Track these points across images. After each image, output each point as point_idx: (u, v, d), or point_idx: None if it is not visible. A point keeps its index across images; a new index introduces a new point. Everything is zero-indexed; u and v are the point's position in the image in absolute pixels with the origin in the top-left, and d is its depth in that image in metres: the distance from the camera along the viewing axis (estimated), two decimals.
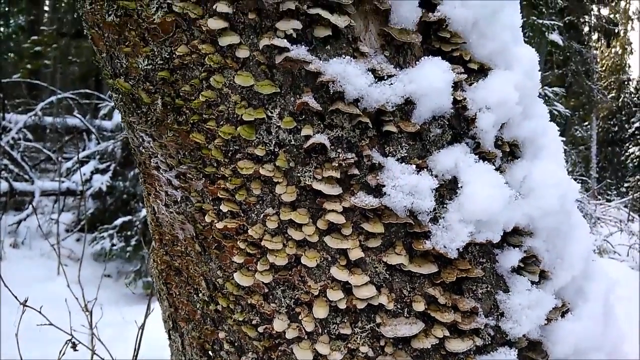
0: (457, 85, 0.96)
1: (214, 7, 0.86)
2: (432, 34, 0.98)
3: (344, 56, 0.89)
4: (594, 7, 20.38)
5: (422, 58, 0.94)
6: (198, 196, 0.97)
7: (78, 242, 8.25)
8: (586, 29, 20.96)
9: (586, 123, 21.74)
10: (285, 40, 0.86)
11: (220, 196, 0.93)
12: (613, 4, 21.93)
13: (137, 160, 1.12)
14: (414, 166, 0.90)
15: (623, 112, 22.73)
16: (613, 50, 24.15)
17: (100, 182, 8.04)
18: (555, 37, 8.92)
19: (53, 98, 10.79)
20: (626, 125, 22.80)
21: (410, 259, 0.90)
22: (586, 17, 20.53)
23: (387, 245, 0.91)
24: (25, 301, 1.94)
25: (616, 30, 20.45)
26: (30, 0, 16.78)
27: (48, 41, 14.49)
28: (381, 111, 0.90)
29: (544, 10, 9.32)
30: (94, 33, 1.02)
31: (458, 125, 0.98)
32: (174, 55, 0.91)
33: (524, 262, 0.99)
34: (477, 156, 0.96)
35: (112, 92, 1.07)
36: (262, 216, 0.91)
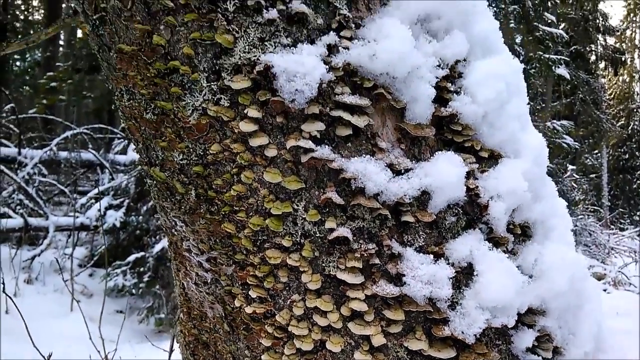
0: (469, 174, 1.03)
1: (245, 111, 0.94)
2: (445, 126, 1.05)
3: (364, 154, 0.96)
4: (600, 36, 20.57)
5: (437, 153, 1.01)
6: (227, 280, 1.04)
7: (91, 277, 8.30)
8: (593, 57, 21.11)
9: (596, 151, 21.66)
10: (310, 142, 0.93)
11: (249, 282, 0.99)
12: (619, 33, 22.11)
13: (168, 239, 1.19)
14: (431, 256, 0.96)
15: (633, 140, 22.63)
16: (620, 78, 24.22)
17: (114, 218, 8.13)
18: (562, 71, 9.02)
19: (68, 133, 10.99)
20: (637, 153, 22.66)
21: (429, 344, 0.95)
22: (592, 46, 20.70)
23: (408, 330, 0.96)
24: (49, 356, 1.99)
25: (623, 59, 20.56)
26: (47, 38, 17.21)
27: (63, 77, 14.84)
28: (399, 202, 0.96)
29: (550, 44, 9.44)
30: (131, 125, 1.11)
31: (471, 211, 1.04)
32: (207, 152, 0.99)
33: (538, 340, 1.03)
34: (490, 243, 1.01)
35: (147, 179, 1.15)
36: (288, 302, 0.97)
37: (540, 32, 9.11)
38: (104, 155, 10.83)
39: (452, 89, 1.05)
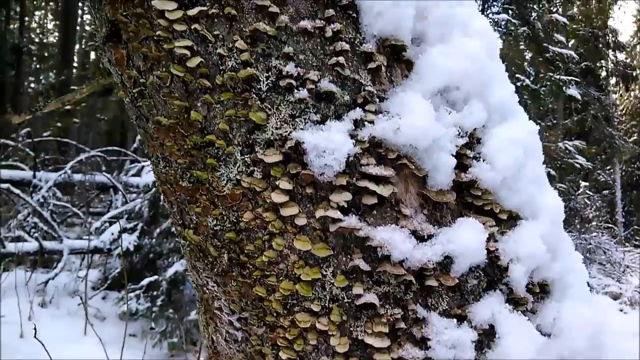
0: (489, 237, 1.08)
1: (277, 183, 1.00)
2: (465, 190, 1.10)
3: (389, 221, 1.02)
4: (611, 52, 20.57)
5: (458, 219, 1.06)
6: (258, 340, 1.08)
7: (104, 300, 8.35)
8: (604, 74, 21.10)
9: (609, 167, 21.49)
10: (338, 212, 0.99)
11: (280, 343, 1.04)
12: (629, 49, 22.10)
13: (199, 295, 1.25)
14: (455, 320, 1.01)
15: None
16: (632, 94, 24.13)
17: (128, 241, 8.20)
18: (573, 91, 9.06)
19: (82, 156, 11.15)
20: None
21: None
22: (603, 62, 20.69)
23: None
24: None
25: (634, 74, 20.52)
26: (62, 61, 17.64)
27: (78, 100, 15.08)
28: (423, 268, 1.01)
29: (560, 65, 9.49)
30: (165, 189, 1.17)
31: (492, 272, 1.09)
32: (240, 220, 1.04)
33: None
34: (511, 304, 1.06)
35: (180, 239, 1.21)
36: None
37: (551, 53, 9.16)
38: (117, 178, 10.97)
39: (471, 156, 1.10)
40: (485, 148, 1.11)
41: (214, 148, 1.04)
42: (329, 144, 0.96)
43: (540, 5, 11.00)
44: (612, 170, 20.88)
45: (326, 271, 1.01)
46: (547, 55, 9.28)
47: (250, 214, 1.03)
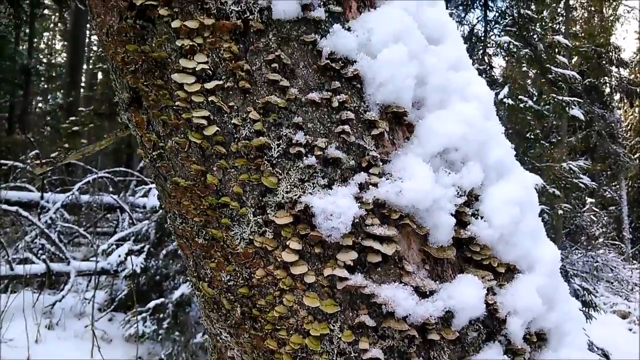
0: (488, 290, 1.14)
1: (287, 243, 1.07)
2: (465, 245, 1.17)
3: (392, 278, 1.09)
4: (614, 68, 20.67)
5: (458, 275, 1.12)
6: None
7: (110, 322, 8.38)
8: (607, 90, 21.17)
9: (615, 183, 21.43)
10: (345, 271, 1.06)
11: None
12: (632, 65, 22.21)
13: (212, 343, 1.31)
14: None
15: None
16: (637, 109, 24.16)
17: (135, 263, 8.26)
18: (576, 112, 9.13)
19: (90, 177, 11.25)
20: None
21: None
22: (606, 78, 20.78)
23: None
24: None
25: (638, 90, 20.57)
26: (70, 82, 17.93)
27: (85, 121, 15.29)
28: (426, 322, 1.07)
29: (563, 86, 9.57)
30: (181, 243, 1.25)
31: (491, 324, 1.15)
32: (252, 276, 1.11)
33: None
34: (509, 356, 1.12)
35: (194, 290, 1.28)
36: None
37: (553, 74, 9.25)
38: (124, 198, 11.06)
39: (469, 213, 1.17)
40: (483, 206, 1.18)
41: (228, 209, 1.12)
42: (335, 208, 1.03)
43: (543, 24, 11.14)
44: (618, 186, 20.83)
45: (334, 326, 1.07)
46: (550, 76, 9.37)
47: (262, 271, 1.10)
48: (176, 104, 1.12)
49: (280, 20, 1.10)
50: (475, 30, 10.68)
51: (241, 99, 1.10)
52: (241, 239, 1.11)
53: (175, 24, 1.09)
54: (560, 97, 9.16)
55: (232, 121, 1.10)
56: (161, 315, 7.57)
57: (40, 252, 9.51)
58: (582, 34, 21.37)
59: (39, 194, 10.81)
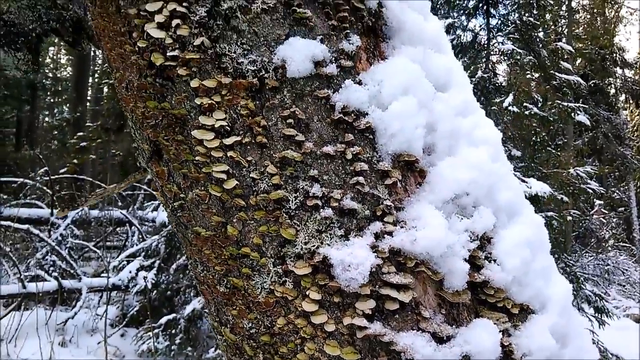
0: (503, 332, 1.17)
1: (307, 292, 1.11)
2: (479, 288, 1.20)
3: (410, 324, 1.12)
4: (619, 69, 20.61)
5: (474, 320, 1.16)
6: None
7: (122, 337, 8.43)
8: (612, 91, 21.10)
9: (624, 184, 21.28)
10: (364, 319, 1.09)
11: None
12: (637, 65, 22.12)
13: None
14: None
15: None
16: None
17: (146, 279, 8.31)
18: (582, 118, 9.12)
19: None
20: None
21: None
22: (611, 79, 20.72)
23: None
24: None
25: None
26: (76, 96, 18.12)
27: (93, 136, 15.41)
28: None
29: (568, 92, 9.57)
30: (203, 289, 1.29)
31: None
32: (274, 324, 1.15)
33: None
34: None
35: (216, 334, 1.32)
36: None
37: (558, 80, 9.26)
38: (133, 213, 11.13)
39: (482, 257, 1.20)
40: (496, 249, 1.21)
41: (249, 259, 1.16)
42: (353, 259, 1.07)
43: (545, 28, 11.14)
44: (626, 187, 20.69)
45: None
46: (554, 82, 9.38)
47: (283, 319, 1.14)
48: (196, 158, 1.17)
49: (294, 77, 1.14)
50: (478, 38, 10.71)
51: (259, 153, 1.15)
52: (262, 288, 1.15)
53: (194, 83, 1.14)
54: (566, 103, 9.16)
55: (250, 175, 1.14)
56: (173, 331, 7.61)
57: (52, 268, 9.59)
58: (585, 36, 21.35)
59: (49, 211, 10.90)
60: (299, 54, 1.12)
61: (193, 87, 1.15)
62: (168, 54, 1.14)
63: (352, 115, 1.16)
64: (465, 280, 1.16)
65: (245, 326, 1.19)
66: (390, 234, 1.13)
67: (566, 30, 17.25)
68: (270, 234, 1.14)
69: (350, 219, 1.14)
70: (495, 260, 1.20)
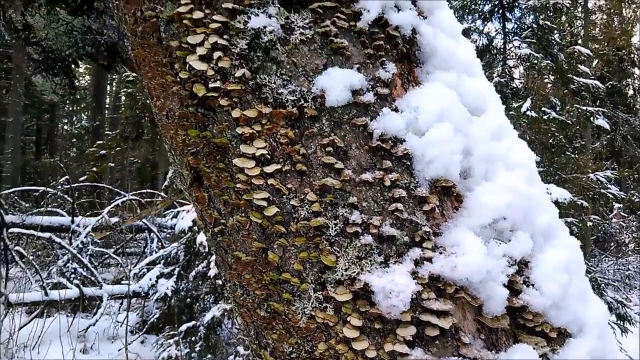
0: (542, 356, 1.18)
1: (348, 319, 1.13)
2: (517, 313, 1.21)
3: (450, 350, 1.13)
4: (636, 69, 20.32)
5: (513, 346, 1.16)
6: None
7: (142, 344, 8.51)
8: (630, 92, 20.80)
9: None
10: (406, 346, 1.11)
11: None
12: None
13: None
14: None
15: None
16: None
17: (166, 287, 8.39)
18: (601, 122, 9.02)
19: (119, 200, 11.45)
20: None
21: None
22: (629, 80, 20.43)
23: None
24: None
25: None
26: (95, 104, 18.41)
27: (112, 144, 15.60)
28: None
29: (586, 95, 9.47)
30: (242, 312, 1.31)
31: None
32: (314, 349, 1.17)
33: None
34: None
35: (254, 356, 1.34)
36: None
37: (576, 85, 9.17)
38: (152, 220, 11.24)
39: (520, 281, 1.21)
40: (534, 274, 1.22)
41: (289, 284, 1.18)
42: (394, 286, 1.09)
43: (561, 29, 11.02)
44: None
45: None
46: (573, 86, 9.29)
47: (324, 345, 1.16)
48: (237, 185, 1.20)
49: (332, 106, 1.16)
50: (495, 42, 10.65)
51: (298, 180, 1.17)
52: (303, 314, 1.17)
53: (236, 113, 1.17)
54: (585, 107, 9.07)
55: (290, 202, 1.16)
56: (193, 338, 7.67)
57: (73, 276, 9.73)
58: (602, 37, 21.10)
59: (70, 218, 11.06)
60: (338, 84, 1.14)
61: (234, 117, 1.17)
62: (210, 85, 1.17)
63: (390, 142, 1.18)
64: (504, 306, 1.17)
65: (285, 350, 1.21)
66: (429, 260, 1.15)
67: (582, 31, 17.07)
68: (311, 260, 1.16)
69: (390, 245, 1.15)
70: (533, 285, 1.21)
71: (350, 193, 1.16)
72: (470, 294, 1.16)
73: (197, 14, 1.17)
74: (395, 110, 1.21)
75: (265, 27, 1.15)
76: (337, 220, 1.15)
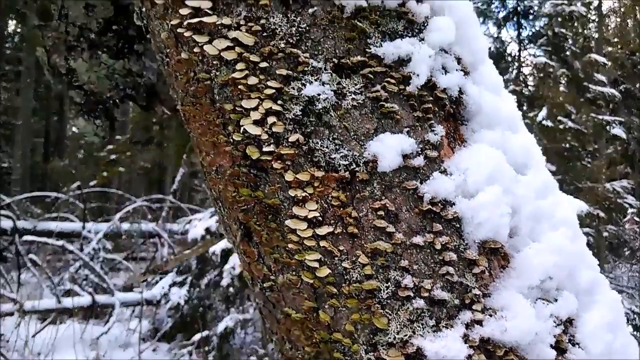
0: None
1: None
2: None
3: None
4: None
5: None
6: None
7: (154, 352, 8.56)
8: None
9: None
10: None
11: None
12: None
13: None
14: None
15: None
16: None
17: (178, 296, 8.45)
18: (617, 131, 8.99)
19: (130, 207, 11.52)
20: None
21: None
22: None
23: None
24: None
25: None
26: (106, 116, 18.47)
27: (122, 150, 15.70)
28: None
29: (602, 104, 9.45)
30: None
31: None
32: None
33: None
34: None
35: None
36: None
37: (592, 94, 9.15)
38: (163, 226, 11.31)
39: (566, 340, 1.23)
40: (579, 333, 1.24)
41: (340, 344, 1.21)
42: (447, 352, 1.11)
43: (575, 35, 10.99)
44: None
45: None
46: (588, 95, 9.27)
47: None
48: (289, 245, 1.22)
49: (384, 171, 1.19)
50: (510, 50, 10.59)
51: (350, 243, 1.20)
52: None
53: (289, 176, 1.20)
54: (601, 117, 9.04)
55: (342, 264, 1.19)
56: (206, 348, 7.71)
57: (84, 282, 9.80)
58: (616, 40, 21.01)
59: (81, 224, 11.15)
60: (390, 150, 1.17)
61: (287, 180, 1.20)
62: (264, 149, 1.20)
63: (439, 205, 1.20)
64: None
65: None
66: (479, 322, 1.17)
67: (596, 34, 16.98)
68: (362, 321, 1.18)
69: (441, 308, 1.18)
70: (579, 344, 1.23)
71: (401, 256, 1.18)
72: (519, 355, 1.18)
73: (252, 80, 1.20)
74: (444, 171, 1.23)
75: (319, 94, 1.18)
76: (389, 283, 1.17)
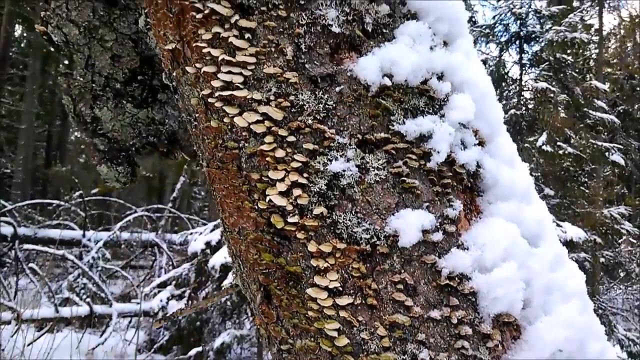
0: None
1: None
2: None
3: None
4: None
5: None
6: None
7: None
8: None
9: None
10: None
11: None
12: None
13: None
14: None
15: None
16: None
17: (176, 309, 8.44)
18: (616, 157, 9.06)
19: (131, 217, 11.54)
20: None
21: None
22: None
23: None
24: None
25: None
26: None
27: None
28: None
29: (601, 129, 9.52)
30: None
31: None
32: None
33: None
34: None
35: None
36: None
37: (592, 120, 9.23)
38: (162, 236, 11.32)
39: None
40: None
41: None
42: None
43: (576, 62, 11.12)
44: None
45: None
46: (588, 121, 9.35)
47: None
48: (308, 313, 1.26)
49: (404, 246, 1.23)
50: (511, 74, 10.70)
51: (369, 314, 1.23)
52: None
53: (311, 247, 1.24)
54: (600, 143, 9.11)
55: (361, 335, 1.23)
56: None
57: (82, 291, 9.80)
58: (615, 62, 21.18)
59: (81, 232, 11.16)
60: (411, 227, 1.21)
61: (310, 250, 1.24)
62: (288, 219, 1.24)
63: (457, 279, 1.24)
64: None
65: None
66: None
67: (596, 56, 17.12)
68: None
69: None
70: None
71: (418, 329, 1.22)
72: None
73: (279, 153, 1.24)
74: (462, 246, 1.28)
75: (344, 171, 1.22)
76: (406, 356, 1.21)
